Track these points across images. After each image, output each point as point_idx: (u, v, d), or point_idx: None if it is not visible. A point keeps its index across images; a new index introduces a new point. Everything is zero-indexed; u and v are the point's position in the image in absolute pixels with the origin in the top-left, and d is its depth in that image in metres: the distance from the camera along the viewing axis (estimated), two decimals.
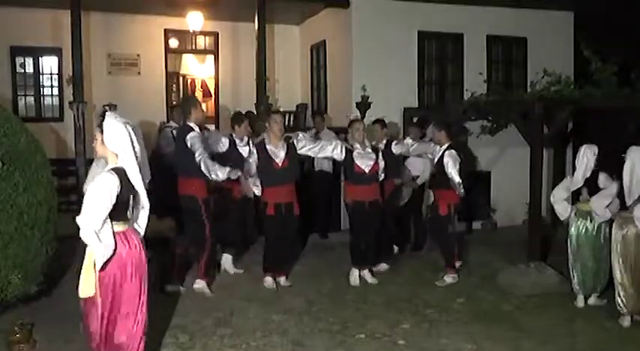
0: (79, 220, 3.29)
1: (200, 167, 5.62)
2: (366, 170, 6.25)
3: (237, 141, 6.53)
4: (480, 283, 6.44)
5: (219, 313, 5.30)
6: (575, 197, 5.76)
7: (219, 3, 9.70)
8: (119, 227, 3.50)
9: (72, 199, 8.43)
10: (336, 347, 4.62)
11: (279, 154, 6.07)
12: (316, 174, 8.29)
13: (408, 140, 7.03)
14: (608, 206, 5.34)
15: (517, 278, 6.21)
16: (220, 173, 5.61)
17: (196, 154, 5.67)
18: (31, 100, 10.28)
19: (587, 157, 5.45)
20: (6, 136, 4.62)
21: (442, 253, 6.67)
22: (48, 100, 10.35)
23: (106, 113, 3.56)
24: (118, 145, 3.46)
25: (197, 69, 12.20)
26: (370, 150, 6.37)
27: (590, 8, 10.43)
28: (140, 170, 3.49)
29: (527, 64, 10.18)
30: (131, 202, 3.53)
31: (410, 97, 9.54)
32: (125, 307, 3.56)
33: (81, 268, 3.49)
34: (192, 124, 5.89)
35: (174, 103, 10.74)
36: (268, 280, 6.20)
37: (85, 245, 3.41)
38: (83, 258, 3.49)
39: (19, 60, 10.12)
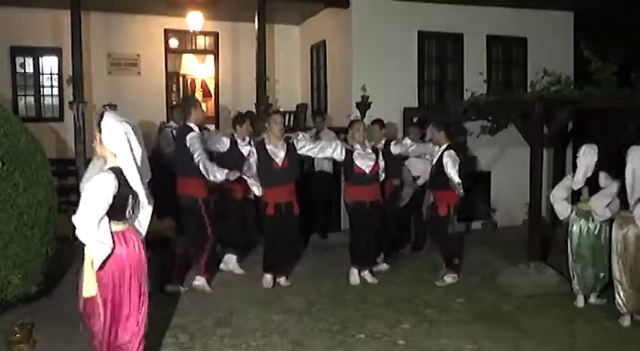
0: (74, 219, 3.30)
1: (199, 168, 5.63)
2: (367, 171, 6.25)
3: (239, 140, 6.53)
4: (479, 283, 6.44)
5: (219, 313, 5.30)
6: (575, 197, 5.76)
7: (219, 3, 9.70)
8: (117, 227, 3.49)
9: (72, 199, 8.41)
10: (336, 347, 4.62)
11: (278, 154, 6.07)
12: (316, 174, 8.29)
13: (407, 140, 7.03)
14: (608, 206, 5.35)
15: (517, 278, 6.21)
16: (219, 175, 5.62)
17: (195, 155, 5.68)
18: (31, 100, 10.28)
19: (587, 157, 5.45)
20: (6, 136, 4.62)
21: (442, 253, 6.67)
22: (48, 100, 10.35)
23: (105, 113, 3.56)
24: (115, 144, 3.45)
25: (197, 69, 12.20)
26: (370, 150, 6.37)
27: (590, 8, 10.43)
28: (139, 170, 3.48)
29: (527, 64, 10.19)
30: (130, 201, 3.53)
31: (410, 97, 9.54)
32: (126, 307, 3.56)
33: (81, 268, 3.49)
34: (191, 125, 5.90)
35: (174, 103, 10.74)
36: (267, 278, 6.21)
37: (84, 245, 3.41)
38: (83, 258, 3.49)
39: (19, 60, 10.12)
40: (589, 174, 5.44)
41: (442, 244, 6.64)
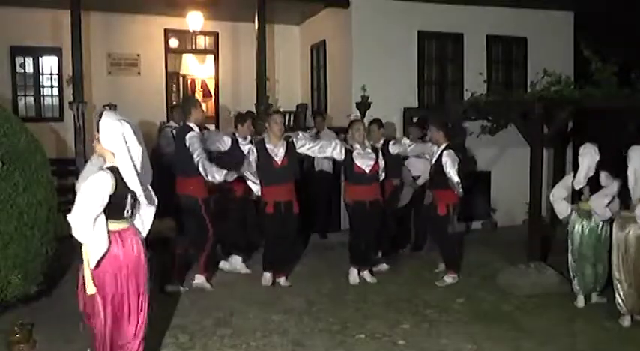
0: (70, 218, 3.30)
1: (197, 168, 5.64)
2: (367, 170, 6.26)
3: (240, 140, 6.53)
4: (479, 283, 6.44)
5: (219, 313, 5.30)
6: (575, 196, 5.76)
7: (219, 3, 9.70)
8: (115, 226, 3.49)
9: (72, 199, 8.42)
10: (336, 347, 4.62)
11: (278, 153, 6.08)
12: (316, 174, 8.29)
13: (406, 140, 7.03)
14: (608, 205, 5.34)
15: (517, 278, 6.20)
16: (217, 175, 5.63)
17: (194, 155, 5.69)
18: (31, 100, 10.28)
19: (589, 156, 5.45)
20: (6, 136, 4.62)
21: (442, 253, 6.68)
22: (48, 100, 10.35)
23: (104, 112, 3.56)
24: (112, 143, 3.45)
25: (197, 69, 12.21)
26: (370, 150, 6.37)
27: (590, 8, 10.43)
28: (136, 170, 3.47)
29: (527, 64, 10.19)
30: (129, 201, 3.52)
31: (410, 97, 9.55)
32: (125, 307, 3.56)
33: (81, 267, 3.49)
34: (191, 124, 5.91)
35: (174, 103, 10.74)
36: (266, 277, 6.22)
37: (82, 244, 3.41)
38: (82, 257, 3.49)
39: (19, 60, 10.12)
40: (591, 174, 5.44)
41: (442, 244, 6.65)
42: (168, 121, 9.30)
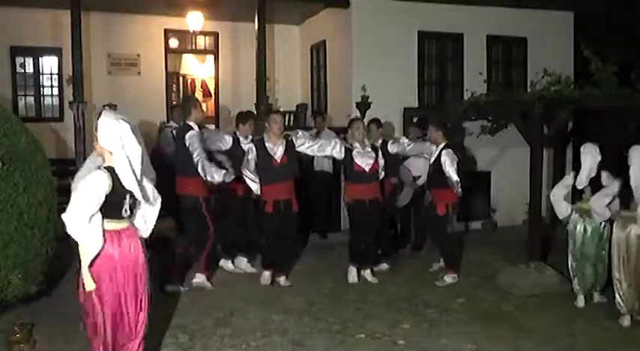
0: (64, 216, 3.30)
1: (197, 167, 5.65)
2: (366, 169, 6.26)
3: (241, 139, 6.53)
4: (480, 283, 6.44)
5: (219, 313, 5.30)
6: (575, 196, 5.75)
7: (219, 3, 9.70)
8: (112, 225, 3.48)
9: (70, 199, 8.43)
10: (336, 347, 4.62)
11: (277, 151, 6.10)
12: (316, 174, 8.29)
13: (404, 140, 7.03)
14: (608, 205, 5.34)
15: (517, 278, 6.21)
16: (216, 175, 5.63)
17: (194, 155, 5.70)
18: (31, 100, 10.27)
19: (591, 157, 5.45)
20: (6, 136, 4.62)
21: (442, 253, 6.68)
22: (48, 100, 10.35)
23: (103, 111, 3.56)
24: (110, 142, 3.45)
25: (197, 69, 12.21)
26: (370, 148, 6.38)
27: (590, 8, 10.43)
28: (133, 169, 3.45)
29: (527, 64, 10.18)
30: (127, 200, 3.51)
31: (410, 97, 9.54)
32: (122, 307, 3.55)
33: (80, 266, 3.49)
34: (191, 123, 5.91)
35: (174, 103, 10.74)
36: (265, 275, 6.23)
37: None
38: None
39: (19, 60, 10.11)
40: (593, 174, 5.44)
41: (442, 244, 6.65)
42: (168, 121, 9.30)
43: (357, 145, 6.33)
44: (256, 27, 9.07)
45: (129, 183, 3.45)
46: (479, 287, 6.27)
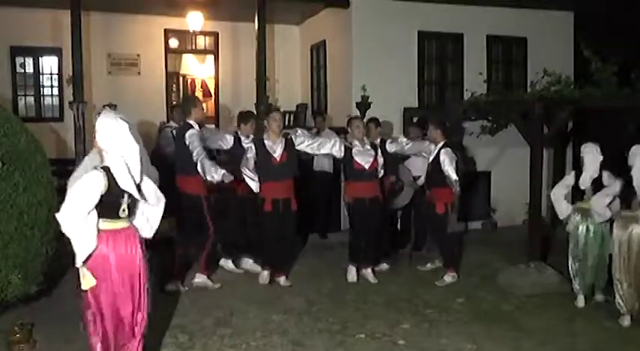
0: (58, 216, 3.30)
1: (196, 166, 5.65)
2: (366, 166, 6.27)
3: (243, 138, 6.53)
4: (480, 283, 6.44)
5: (219, 313, 5.30)
6: (575, 196, 5.75)
7: (219, 3, 9.70)
8: (108, 225, 3.48)
9: None
10: (336, 347, 4.62)
11: (277, 150, 6.10)
12: (316, 174, 8.29)
13: (403, 139, 7.03)
14: (609, 205, 5.33)
15: (517, 278, 6.21)
16: (215, 175, 5.63)
17: (194, 153, 5.71)
18: (31, 100, 10.27)
19: (591, 156, 5.45)
20: (6, 136, 4.62)
21: (441, 252, 6.69)
22: (48, 100, 10.34)
23: (102, 111, 3.57)
24: (106, 142, 3.46)
25: (197, 69, 12.20)
26: (369, 146, 6.39)
27: (590, 8, 10.42)
28: (129, 169, 3.44)
29: (527, 64, 10.18)
30: (125, 200, 3.49)
31: (410, 97, 9.54)
32: (119, 306, 3.53)
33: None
34: (192, 122, 5.91)
35: (174, 103, 10.73)
36: (264, 275, 6.24)
37: None
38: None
39: (19, 60, 10.11)
40: (595, 175, 5.44)
41: (441, 243, 6.65)
42: (168, 121, 9.29)
43: (356, 143, 6.34)
44: (256, 27, 9.06)
45: (124, 183, 3.44)
46: (479, 287, 6.27)
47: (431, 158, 6.53)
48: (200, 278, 6.06)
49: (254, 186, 6.18)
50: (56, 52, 10.02)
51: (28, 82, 10.23)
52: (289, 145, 6.17)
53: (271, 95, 10.18)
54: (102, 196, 3.38)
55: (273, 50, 10.67)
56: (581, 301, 5.64)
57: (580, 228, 5.59)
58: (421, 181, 7.41)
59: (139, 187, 3.56)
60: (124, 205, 3.51)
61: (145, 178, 3.66)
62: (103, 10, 9.98)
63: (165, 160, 7.05)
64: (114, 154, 3.44)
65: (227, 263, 6.76)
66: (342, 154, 6.33)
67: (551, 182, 9.08)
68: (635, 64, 7.80)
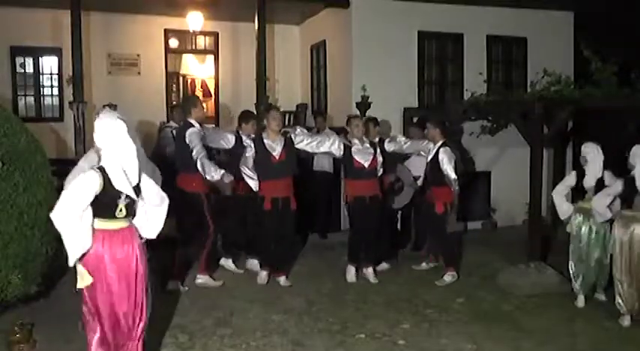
0: (52, 215, 3.30)
1: (196, 164, 5.66)
2: (366, 165, 6.27)
3: (244, 138, 6.53)
4: (480, 283, 6.44)
5: (219, 313, 5.30)
6: (575, 196, 5.74)
7: (219, 3, 9.70)
8: (104, 225, 3.47)
9: None
10: (336, 347, 4.62)
11: (276, 148, 6.11)
12: (316, 174, 8.29)
13: (401, 138, 7.04)
14: (609, 205, 5.33)
15: (517, 278, 6.21)
16: (215, 174, 5.65)
17: (194, 152, 5.71)
18: (31, 100, 10.27)
19: (592, 156, 5.46)
20: (6, 136, 4.62)
21: (442, 251, 6.69)
22: (48, 100, 10.34)
23: (101, 111, 3.57)
24: (102, 142, 3.46)
25: (197, 69, 12.20)
26: (368, 145, 6.39)
27: (590, 8, 10.42)
28: (125, 169, 3.44)
29: (527, 64, 10.18)
30: (122, 200, 3.47)
31: (410, 97, 9.54)
32: (116, 307, 3.52)
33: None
34: (192, 121, 5.91)
35: (174, 103, 10.73)
36: (262, 275, 6.23)
37: None
38: None
39: (19, 60, 10.11)
40: (599, 175, 5.44)
41: (441, 242, 6.66)
42: (168, 121, 9.29)
43: (355, 141, 6.35)
44: (256, 27, 9.07)
45: (119, 183, 3.42)
46: (479, 287, 6.27)
47: (429, 157, 6.54)
48: (202, 279, 6.06)
49: (253, 184, 6.18)
50: (56, 52, 10.02)
51: (28, 82, 10.23)
52: (288, 143, 6.18)
53: (271, 95, 10.18)
54: (98, 195, 3.37)
55: (273, 50, 10.67)
56: (581, 301, 5.64)
57: (583, 228, 5.59)
58: (421, 181, 7.41)
59: (137, 188, 3.56)
60: (121, 206, 3.49)
61: (146, 179, 3.66)
62: (103, 10, 9.98)
63: (165, 160, 7.06)
64: (110, 154, 3.43)
65: (227, 263, 6.76)
66: (342, 153, 6.33)
67: (551, 182, 9.09)
68: (635, 64, 7.81)
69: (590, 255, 5.57)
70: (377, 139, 6.82)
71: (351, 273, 6.41)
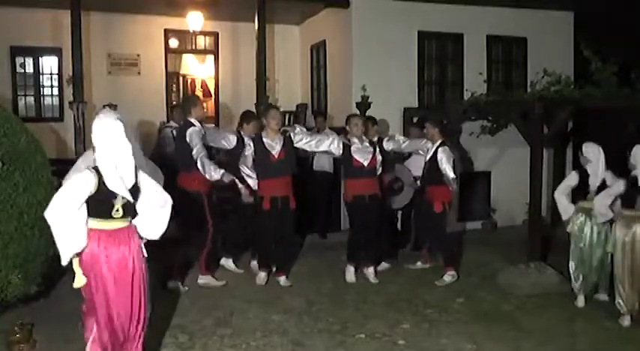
0: (46, 214, 3.30)
1: (196, 164, 5.66)
2: (365, 164, 6.27)
3: (245, 138, 6.53)
4: (479, 283, 6.44)
5: (219, 313, 5.30)
6: (575, 195, 5.74)
7: (219, 3, 9.71)
8: (99, 225, 3.46)
9: None
10: (336, 347, 4.62)
11: (275, 147, 6.11)
12: (316, 174, 8.29)
13: (400, 137, 7.04)
14: (611, 205, 5.32)
15: (517, 278, 6.20)
16: (215, 174, 5.66)
17: (194, 151, 5.72)
18: (31, 100, 10.28)
19: (595, 156, 5.45)
20: (6, 136, 4.62)
21: (441, 250, 6.69)
22: (48, 100, 10.35)
23: (101, 111, 3.57)
24: (98, 142, 3.46)
25: (197, 69, 12.21)
26: (368, 144, 6.40)
27: (590, 8, 10.43)
28: (118, 169, 3.42)
29: (527, 64, 10.18)
30: (119, 200, 3.45)
31: (410, 97, 9.54)
32: (112, 306, 3.52)
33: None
34: (193, 120, 5.92)
35: (174, 103, 10.75)
36: (261, 276, 6.23)
37: None
38: None
39: (19, 60, 10.12)
40: (603, 175, 5.44)
41: (440, 241, 6.66)
42: (168, 121, 9.30)
43: (355, 140, 6.35)
44: (256, 27, 9.08)
45: (112, 183, 3.40)
46: (479, 287, 6.27)
47: (428, 156, 6.55)
48: (203, 279, 6.06)
49: (252, 183, 6.18)
50: (56, 52, 10.02)
51: (28, 82, 10.23)
52: (288, 142, 6.18)
53: (271, 95, 10.18)
54: (93, 195, 3.37)
55: (273, 50, 10.68)
56: (581, 301, 5.63)
57: (585, 229, 5.58)
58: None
59: (135, 188, 3.54)
60: (118, 206, 3.47)
61: (147, 179, 3.65)
62: (103, 10, 9.99)
63: (166, 160, 7.06)
64: (104, 155, 3.42)
65: (228, 262, 6.76)
66: (341, 152, 6.33)
67: (552, 182, 9.09)
68: (635, 64, 7.80)
69: (592, 255, 5.56)
70: (375, 138, 6.83)
71: (350, 273, 6.41)
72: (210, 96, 11.63)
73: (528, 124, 6.94)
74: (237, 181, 5.94)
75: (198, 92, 11.97)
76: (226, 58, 11.19)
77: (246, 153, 6.16)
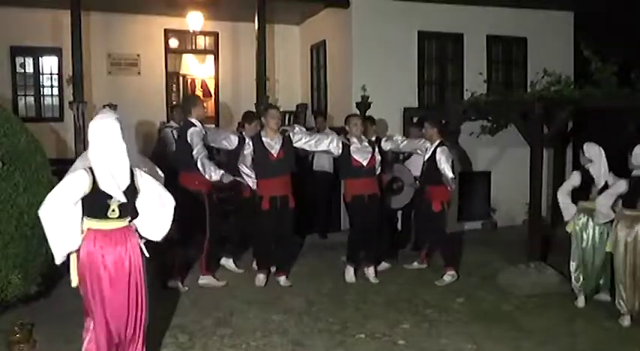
0: (40, 212, 3.31)
1: (196, 164, 5.66)
2: (364, 163, 6.27)
3: (247, 139, 6.53)
4: (480, 283, 6.44)
5: (219, 313, 5.30)
6: (575, 195, 5.74)
7: (219, 3, 9.71)
8: (95, 225, 3.46)
9: None
10: (336, 347, 4.62)
11: (274, 146, 6.10)
12: (316, 174, 8.29)
13: (398, 136, 7.04)
14: (612, 205, 5.32)
15: (517, 278, 6.20)
16: (214, 174, 5.66)
17: (194, 151, 5.72)
18: (31, 100, 10.28)
19: (599, 155, 5.46)
20: (6, 136, 4.62)
21: (441, 250, 6.70)
22: (48, 100, 10.35)
23: (100, 111, 3.57)
24: (92, 142, 3.46)
25: (197, 69, 12.21)
26: (367, 144, 6.40)
27: (590, 8, 10.43)
28: (111, 170, 3.41)
29: (527, 64, 10.19)
30: (115, 200, 3.44)
31: (410, 97, 9.55)
32: (110, 306, 3.51)
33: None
34: (193, 120, 5.92)
35: (174, 103, 10.74)
36: (260, 277, 6.22)
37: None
38: None
39: (19, 60, 10.12)
40: (607, 175, 5.43)
41: (440, 241, 6.66)
42: (168, 121, 9.29)
43: (354, 140, 6.35)
44: (256, 27, 9.08)
45: (105, 184, 3.39)
46: (479, 287, 6.27)
47: (427, 156, 6.55)
48: (204, 279, 6.05)
49: (250, 182, 6.18)
50: (56, 52, 10.03)
51: (28, 82, 10.24)
52: (287, 141, 6.17)
53: (271, 95, 10.18)
54: (88, 195, 3.37)
55: (273, 50, 10.68)
56: (581, 301, 5.63)
57: (587, 229, 5.57)
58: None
59: (131, 189, 3.52)
60: (114, 206, 3.46)
61: (148, 179, 3.64)
62: (103, 10, 9.99)
63: (166, 161, 7.06)
64: (97, 155, 3.42)
65: (228, 262, 6.76)
66: (340, 151, 6.33)
67: (552, 182, 9.10)
68: (635, 64, 7.81)
69: (594, 256, 5.55)
70: (373, 138, 6.83)
71: (350, 273, 6.41)
72: (210, 96, 11.63)
73: (528, 124, 6.94)
74: (239, 179, 5.94)
75: (199, 92, 11.97)
76: (226, 58, 11.19)
77: (245, 152, 6.16)
